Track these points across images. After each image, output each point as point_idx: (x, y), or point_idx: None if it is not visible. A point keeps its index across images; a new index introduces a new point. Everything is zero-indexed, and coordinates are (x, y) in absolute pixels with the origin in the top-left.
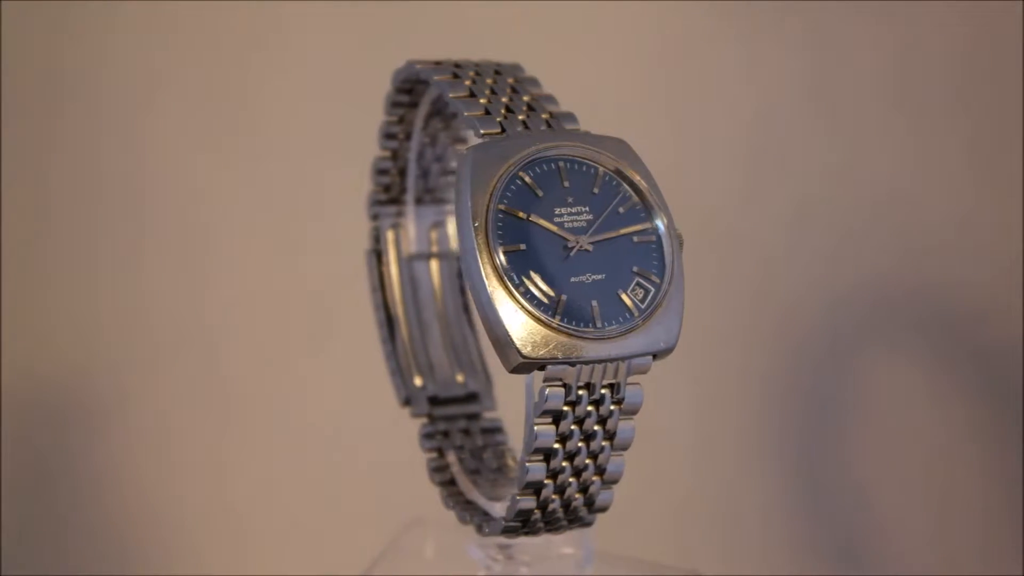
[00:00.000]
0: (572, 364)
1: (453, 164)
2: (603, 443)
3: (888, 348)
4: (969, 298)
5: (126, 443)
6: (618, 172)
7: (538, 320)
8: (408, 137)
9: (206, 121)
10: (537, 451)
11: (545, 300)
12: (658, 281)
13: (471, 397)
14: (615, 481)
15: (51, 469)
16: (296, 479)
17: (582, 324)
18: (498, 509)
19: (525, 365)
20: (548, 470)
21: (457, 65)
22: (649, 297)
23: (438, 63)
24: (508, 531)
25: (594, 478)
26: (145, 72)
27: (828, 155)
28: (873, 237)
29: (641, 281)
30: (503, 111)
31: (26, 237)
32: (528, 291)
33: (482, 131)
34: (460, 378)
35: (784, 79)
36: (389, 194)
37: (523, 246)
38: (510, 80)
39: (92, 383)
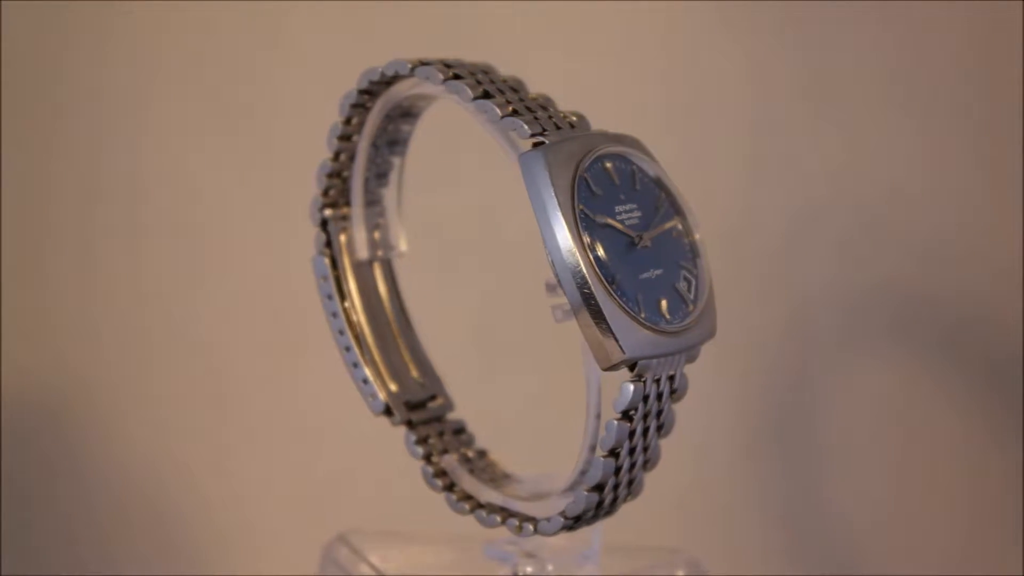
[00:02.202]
0: (656, 358)
1: (386, 168)
2: (654, 431)
3: (889, 348)
4: (970, 299)
5: (123, 442)
6: (646, 169)
7: (632, 318)
8: (351, 139)
9: (204, 124)
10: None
11: (631, 298)
12: (695, 272)
13: (432, 399)
14: (655, 466)
15: (49, 468)
16: (294, 479)
17: (657, 319)
18: (522, 508)
19: (623, 363)
20: (616, 465)
21: (447, 65)
22: (693, 288)
23: (424, 62)
24: (564, 529)
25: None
26: (142, 75)
27: (829, 158)
28: (874, 239)
29: (685, 274)
30: (528, 112)
31: (25, 239)
32: (618, 289)
33: (531, 133)
34: (421, 380)
35: (785, 82)
36: (331, 198)
37: (601, 245)
38: (501, 79)
39: (90, 384)
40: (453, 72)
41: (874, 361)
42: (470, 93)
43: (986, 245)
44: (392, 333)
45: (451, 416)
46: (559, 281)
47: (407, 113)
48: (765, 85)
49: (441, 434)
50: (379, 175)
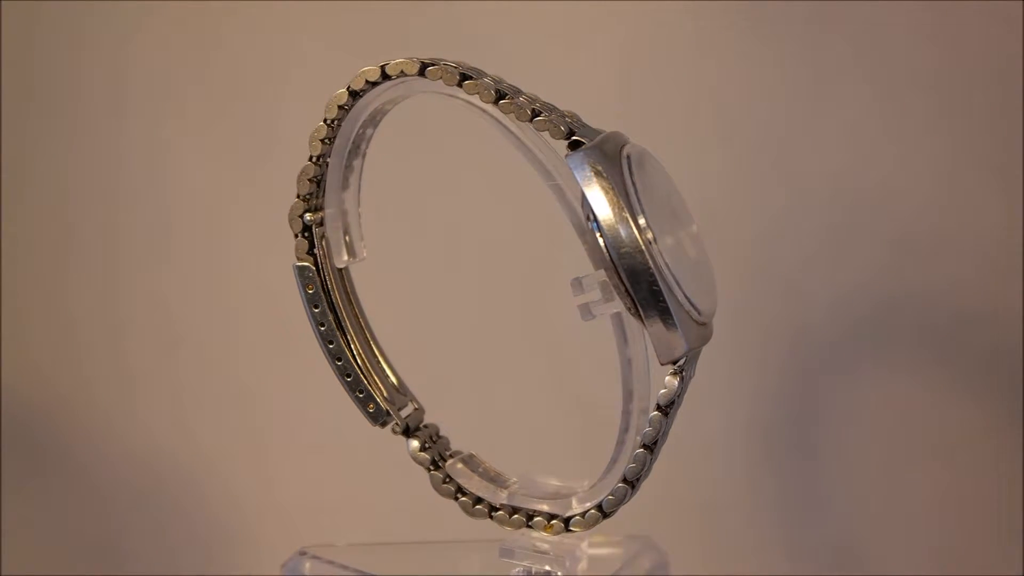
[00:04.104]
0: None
1: (348, 173)
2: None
3: (887, 348)
4: (969, 298)
5: (120, 443)
6: (651, 167)
7: (687, 312)
8: (325, 142)
9: (213, 127)
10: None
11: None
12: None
13: (406, 404)
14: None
15: (50, 467)
16: (294, 479)
17: (696, 313)
18: (543, 507)
19: (680, 356)
20: (652, 457)
21: (453, 66)
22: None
23: (428, 63)
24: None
25: None
26: (131, 76)
27: (827, 155)
28: (872, 237)
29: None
30: (546, 112)
31: (30, 238)
32: (675, 284)
33: (565, 132)
34: (397, 386)
35: (782, 80)
36: (310, 203)
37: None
38: (497, 78)
39: (84, 385)
40: (460, 72)
41: (871, 359)
42: (492, 94)
43: (985, 243)
44: (367, 340)
45: (428, 419)
46: (624, 279)
47: (373, 117)
48: (762, 86)
49: (432, 439)
50: (344, 179)
